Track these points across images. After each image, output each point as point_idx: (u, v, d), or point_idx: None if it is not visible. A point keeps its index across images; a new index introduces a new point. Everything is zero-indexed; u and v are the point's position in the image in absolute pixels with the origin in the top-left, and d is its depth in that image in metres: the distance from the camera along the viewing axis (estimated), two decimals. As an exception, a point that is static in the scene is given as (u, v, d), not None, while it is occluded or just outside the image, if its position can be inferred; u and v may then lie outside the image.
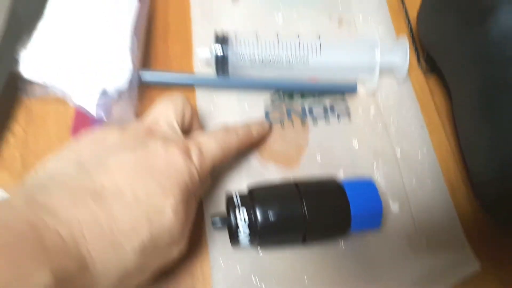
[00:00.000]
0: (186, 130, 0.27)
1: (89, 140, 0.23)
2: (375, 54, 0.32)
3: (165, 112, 0.26)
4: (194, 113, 0.28)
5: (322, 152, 0.32)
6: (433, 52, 0.34)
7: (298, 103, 0.34)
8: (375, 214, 0.27)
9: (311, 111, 0.34)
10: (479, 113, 0.27)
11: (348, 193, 0.26)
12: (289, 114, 0.33)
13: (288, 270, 0.27)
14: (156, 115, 0.26)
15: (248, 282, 0.26)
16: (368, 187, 0.27)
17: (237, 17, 0.37)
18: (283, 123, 0.33)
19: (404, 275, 0.27)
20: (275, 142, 0.32)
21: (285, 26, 0.36)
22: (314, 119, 0.33)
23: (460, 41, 0.29)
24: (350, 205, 0.26)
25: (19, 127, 0.31)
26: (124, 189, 0.21)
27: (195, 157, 0.23)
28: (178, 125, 0.26)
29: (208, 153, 0.25)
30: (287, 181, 0.27)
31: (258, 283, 0.26)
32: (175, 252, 0.23)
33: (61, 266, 0.17)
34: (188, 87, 0.33)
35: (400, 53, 0.33)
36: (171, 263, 0.24)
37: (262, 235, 0.25)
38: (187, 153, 0.23)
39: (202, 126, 0.31)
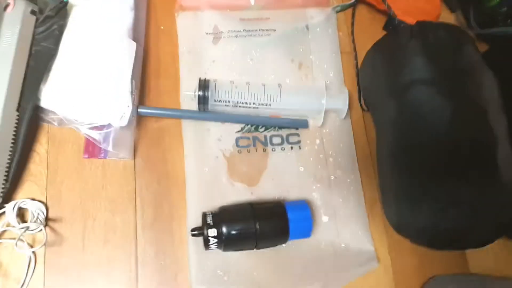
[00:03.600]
0: None
1: None
2: (321, 101, 0.42)
3: None
4: None
5: (277, 174, 0.42)
6: (367, 100, 0.43)
7: (261, 134, 0.44)
8: (306, 228, 0.38)
9: (271, 141, 0.43)
10: (388, 159, 0.38)
11: (288, 212, 0.37)
12: (254, 142, 0.43)
13: (244, 266, 0.38)
14: None
15: (215, 275, 0.37)
16: (303, 208, 0.38)
17: (216, 56, 0.45)
18: (249, 150, 0.43)
19: (327, 270, 0.39)
20: (242, 164, 0.42)
21: (255, 67, 0.45)
22: (273, 147, 0.43)
23: (383, 103, 0.38)
24: (289, 221, 0.37)
25: (42, 148, 0.40)
26: None
27: None
28: None
29: None
30: (246, 204, 0.38)
31: (223, 275, 0.37)
32: None
33: None
34: (176, 118, 0.43)
35: (342, 101, 0.42)
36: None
37: (226, 243, 0.36)
38: None
39: None
